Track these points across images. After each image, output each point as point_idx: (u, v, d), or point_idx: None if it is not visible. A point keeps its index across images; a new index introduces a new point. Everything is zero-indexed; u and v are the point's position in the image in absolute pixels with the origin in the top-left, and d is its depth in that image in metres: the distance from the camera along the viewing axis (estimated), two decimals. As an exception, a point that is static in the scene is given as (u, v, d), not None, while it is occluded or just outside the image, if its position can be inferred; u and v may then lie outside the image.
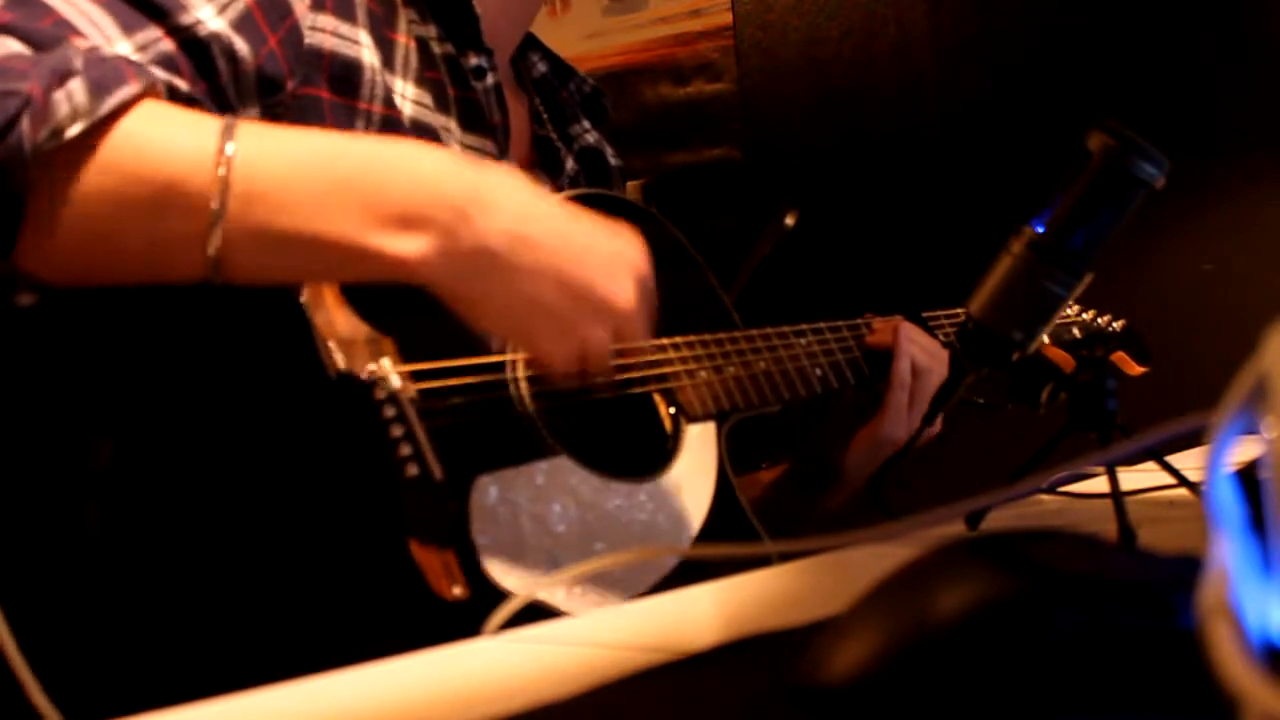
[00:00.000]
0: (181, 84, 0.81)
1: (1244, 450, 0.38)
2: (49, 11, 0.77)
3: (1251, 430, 0.36)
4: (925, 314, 1.26)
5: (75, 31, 0.77)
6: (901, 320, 1.21)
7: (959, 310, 1.28)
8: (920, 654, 0.41)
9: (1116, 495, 0.77)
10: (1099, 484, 0.91)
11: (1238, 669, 0.34)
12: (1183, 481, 0.86)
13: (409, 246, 0.76)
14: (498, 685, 0.56)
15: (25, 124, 0.69)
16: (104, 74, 0.73)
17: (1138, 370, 1.40)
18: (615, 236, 0.85)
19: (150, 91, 0.76)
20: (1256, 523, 0.36)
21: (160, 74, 0.80)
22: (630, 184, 2.27)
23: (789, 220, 1.26)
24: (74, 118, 0.71)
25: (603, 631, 0.66)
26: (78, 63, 0.72)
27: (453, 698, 0.54)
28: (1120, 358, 1.39)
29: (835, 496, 1.26)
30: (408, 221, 0.76)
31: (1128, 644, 0.40)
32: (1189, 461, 0.86)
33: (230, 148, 0.74)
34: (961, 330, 0.88)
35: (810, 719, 0.43)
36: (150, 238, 0.74)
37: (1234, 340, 0.55)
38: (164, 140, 0.74)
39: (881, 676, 0.41)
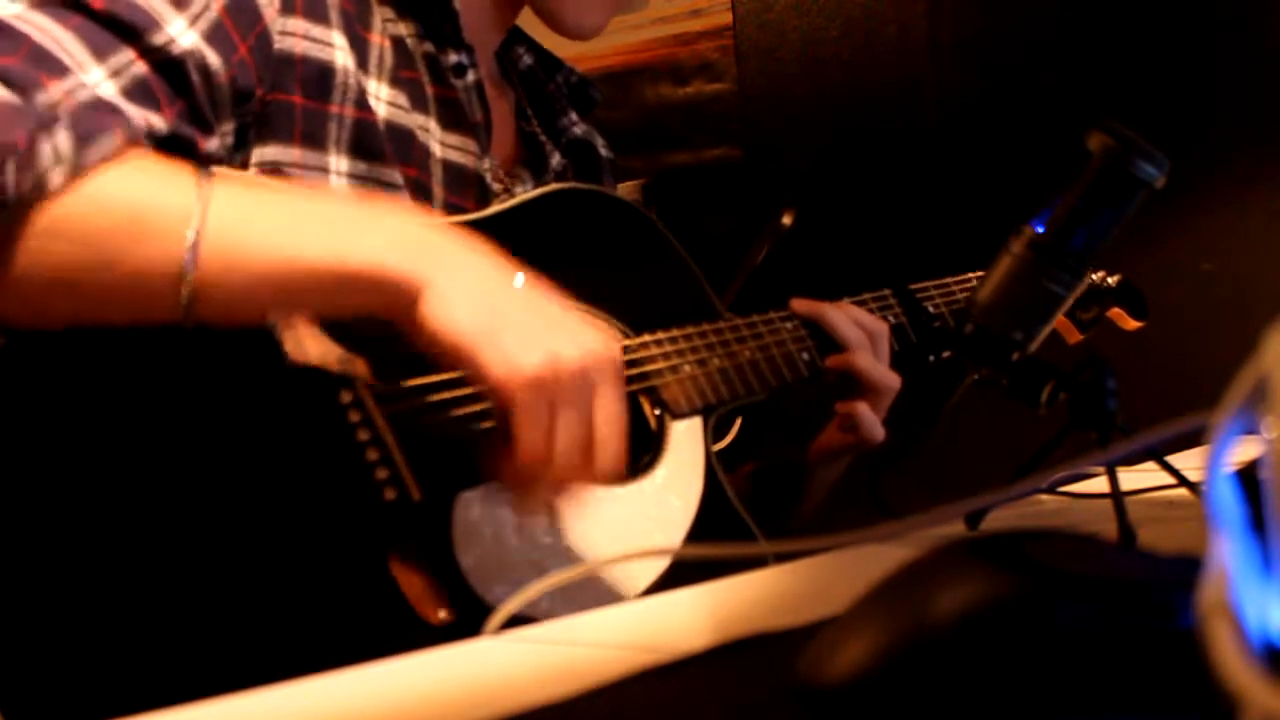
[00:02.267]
0: (158, 121, 0.82)
1: (1244, 450, 0.38)
2: (24, 40, 0.77)
3: (1251, 430, 0.36)
4: (913, 285, 1.24)
5: (50, 59, 0.78)
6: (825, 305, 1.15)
7: (947, 280, 1.27)
8: (920, 654, 0.41)
9: (1116, 495, 0.77)
10: (1099, 484, 0.91)
11: (1238, 669, 0.34)
12: (1183, 481, 0.86)
13: (382, 251, 0.76)
14: (498, 685, 0.56)
15: (9, 171, 0.70)
16: (89, 126, 0.74)
17: (1134, 325, 1.39)
18: (590, 328, 0.81)
19: (134, 142, 0.76)
20: (1256, 523, 0.36)
21: (135, 110, 0.80)
22: (630, 184, 2.27)
23: (786, 220, 1.26)
24: (57, 166, 0.72)
25: (602, 631, 0.66)
26: (63, 114, 0.74)
27: (453, 698, 0.54)
28: (1117, 314, 1.39)
29: (809, 501, 1.24)
30: (388, 241, 0.76)
31: (1128, 644, 0.40)
32: (1189, 461, 0.86)
33: (205, 201, 0.74)
34: (961, 330, 0.88)
35: (810, 719, 0.43)
36: (122, 284, 0.75)
37: (1234, 340, 0.55)
38: (142, 191, 0.75)
39: (881, 676, 0.41)
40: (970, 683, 0.40)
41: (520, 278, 0.80)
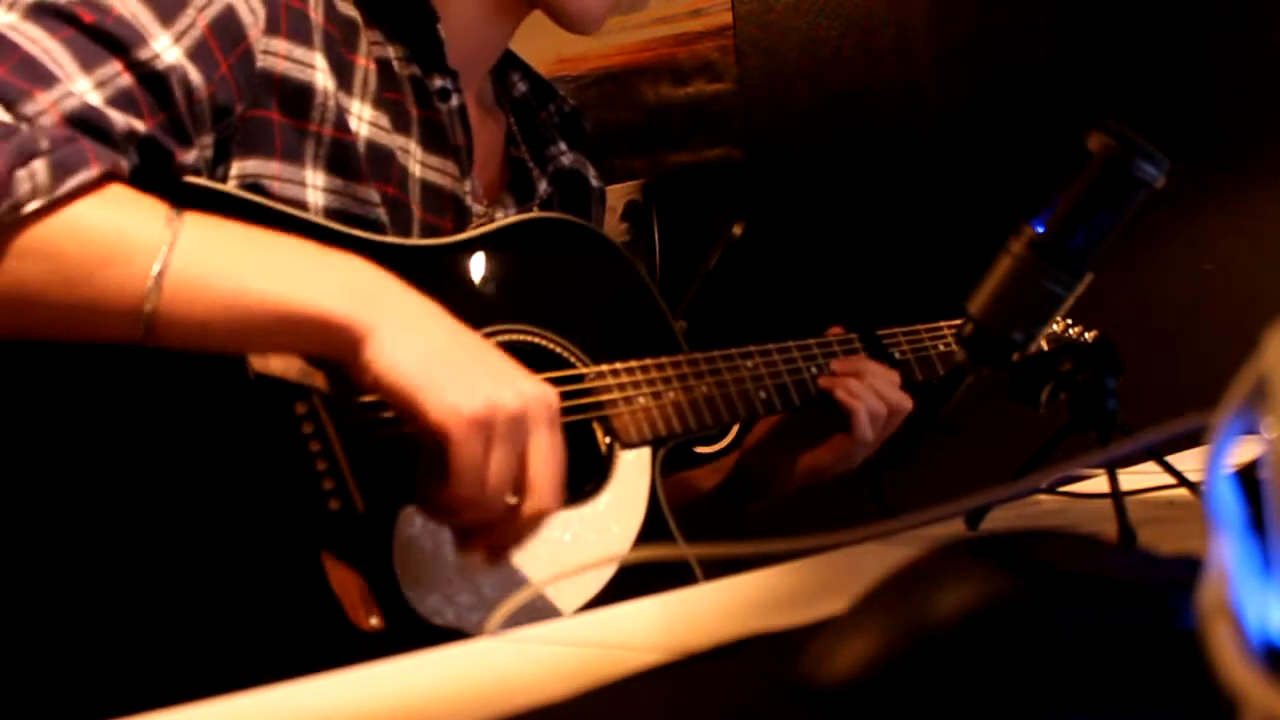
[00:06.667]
0: (140, 125, 0.83)
1: (1244, 450, 0.38)
2: (14, 50, 0.79)
3: (1251, 430, 0.36)
4: (880, 332, 1.25)
5: (39, 69, 0.79)
6: (855, 367, 1.18)
7: (919, 327, 1.28)
8: (920, 654, 0.41)
9: (1116, 495, 0.77)
10: (1099, 484, 0.91)
11: (1238, 669, 0.34)
12: (1183, 481, 0.86)
13: (332, 297, 0.79)
14: (498, 685, 0.56)
15: None
16: (67, 156, 0.76)
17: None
18: (530, 377, 0.84)
19: (112, 172, 0.78)
20: (1256, 523, 0.36)
21: (118, 115, 0.82)
22: (630, 183, 2.27)
23: (737, 230, 1.27)
24: (33, 195, 0.74)
25: (603, 631, 0.67)
26: (44, 143, 0.75)
27: (453, 698, 0.54)
28: None
29: (757, 504, 1.27)
30: (339, 288, 0.79)
31: (1128, 644, 0.40)
32: (1189, 461, 0.86)
33: (174, 235, 0.77)
34: (960, 330, 0.88)
35: (810, 719, 0.43)
36: (84, 306, 0.77)
37: (1234, 340, 0.55)
38: (114, 220, 0.78)
39: (881, 676, 0.41)
40: (970, 682, 0.40)
41: (465, 333, 0.83)
